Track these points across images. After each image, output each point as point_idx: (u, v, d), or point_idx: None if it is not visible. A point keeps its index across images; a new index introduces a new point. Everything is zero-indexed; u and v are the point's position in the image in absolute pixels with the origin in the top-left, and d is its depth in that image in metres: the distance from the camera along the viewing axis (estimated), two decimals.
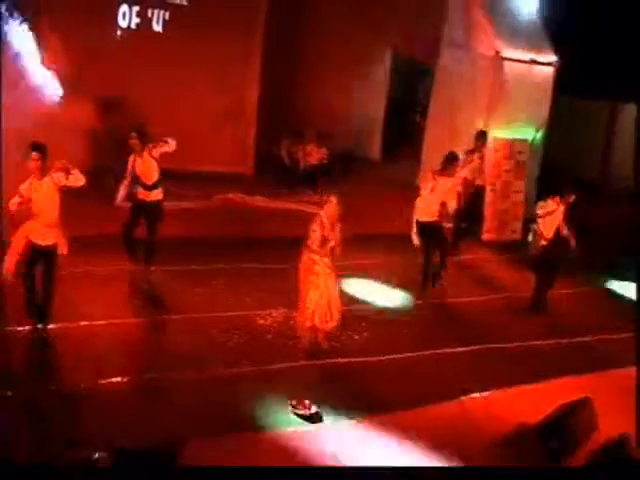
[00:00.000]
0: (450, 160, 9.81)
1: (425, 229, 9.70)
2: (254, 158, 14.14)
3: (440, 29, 13.97)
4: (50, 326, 7.79)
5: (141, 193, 9.24)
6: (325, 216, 7.63)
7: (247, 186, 13.14)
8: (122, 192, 9.21)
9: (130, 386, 7.05)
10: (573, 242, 9.63)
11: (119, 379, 7.09)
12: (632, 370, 7.45)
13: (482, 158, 11.56)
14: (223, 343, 8.07)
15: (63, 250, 7.64)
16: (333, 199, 7.61)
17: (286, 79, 15.51)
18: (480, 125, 12.71)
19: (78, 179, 7.35)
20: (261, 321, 8.63)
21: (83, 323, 8.00)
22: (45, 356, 7.54)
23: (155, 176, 9.18)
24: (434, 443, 6.58)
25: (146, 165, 9.12)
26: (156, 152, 9.03)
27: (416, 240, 9.71)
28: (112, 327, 8.04)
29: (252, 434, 6.48)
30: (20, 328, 7.64)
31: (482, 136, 11.59)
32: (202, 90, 13.15)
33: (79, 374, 7.04)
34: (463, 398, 7.56)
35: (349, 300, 9.11)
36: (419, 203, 9.74)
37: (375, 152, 16.49)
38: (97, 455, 5.90)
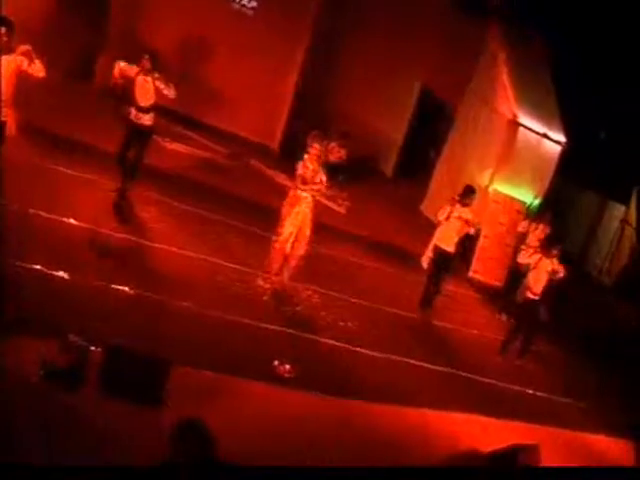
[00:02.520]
0: (468, 192, 10.05)
1: (440, 256, 9.96)
2: (282, 135, 14.25)
3: (468, 79, 14.37)
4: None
5: (135, 115, 9.21)
6: (308, 160, 8.59)
7: (270, 159, 13.34)
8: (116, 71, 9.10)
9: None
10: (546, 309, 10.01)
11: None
12: (585, 436, 7.72)
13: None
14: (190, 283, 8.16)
15: (11, 131, 7.56)
16: (316, 146, 8.61)
17: (325, 75, 15.63)
18: (487, 175, 13.10)
19: (39, 70, 7.40)
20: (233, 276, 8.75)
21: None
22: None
23: (151, 100, 9.18)
24: (388, 440, 6.76)
25: (146, 88, 9.11)
26: (159, 83, 9.04)
27: (426, 264, 9.97)
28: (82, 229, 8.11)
29: (231, 377, 6.63)
30: None
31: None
32: (251, 65, 13.66)
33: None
34: (426, 410, 7.71)
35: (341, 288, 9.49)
36: (439, 232, 9.99)
37: (389, 170, 16.69)
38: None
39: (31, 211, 7.84)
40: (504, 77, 13.56)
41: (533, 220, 11.95)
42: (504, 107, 13.37)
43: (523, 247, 11.10)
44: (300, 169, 8.72)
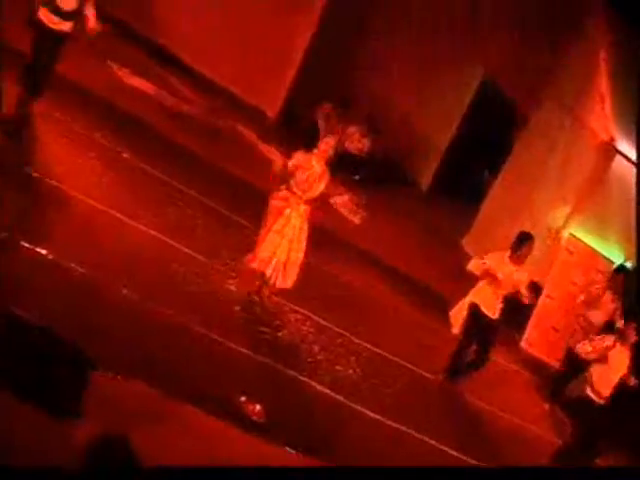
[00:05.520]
0: (522, 242, 9.71)
1: (478, 319, 9.86)
2: (284, 102, 14.44)
3: (549, 77, 14.56)
4: None
5: (50, 20, 9.23)
6: (315, 157, 8.75)
7: (263, 129, 13.48)
8: None
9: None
10: None
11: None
12: None
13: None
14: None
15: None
16: (329, 141, 8.95)
17: (350, 34, 15.84)
18: (561, 214, 13.16)
19: None
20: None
21: None
22: None
23: (76, 4, 9.26)
24: None
25: None
26: None
27: (457, 327, 9.92)
28: None
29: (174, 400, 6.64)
30: None
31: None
32: (258, 21, 13.98)
33: None
34: None
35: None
36: (479, 289, 9.87)
37: (425, 182, 16.97)
38: None
39: None
40: (602, 84, 13.64)
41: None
42: (597, 124, 13.42)
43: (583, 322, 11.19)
44: (298, 164, 8.72)
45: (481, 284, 9.87)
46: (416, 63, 16.47)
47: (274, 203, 8.79)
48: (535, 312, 12.84)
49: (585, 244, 13.17)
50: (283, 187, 8.77)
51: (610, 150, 13.09)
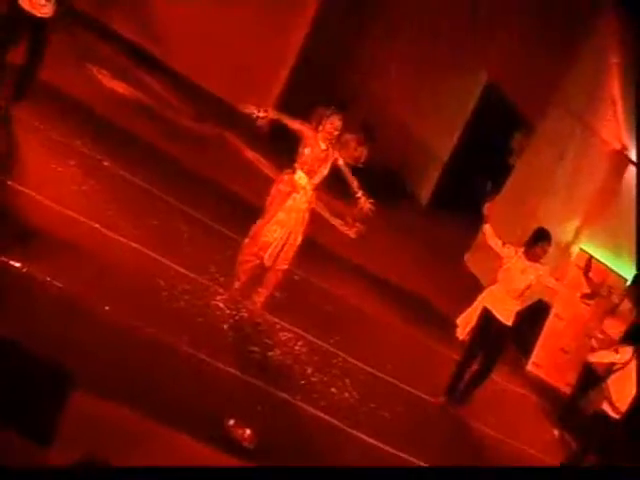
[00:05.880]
0: (538, 239, 9.83)
1: (489, 328, 9.82)
2: (275, 108, 14.23)
3: (557, 82, 14.56)
4: None
5: (33, 5, 9.39)
6: (322, 136, 8.92)
7: (254, 137, 13.31)
8: None
9: None
10: None
11: None
12: None
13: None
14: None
15: None
16: (335, 121, 9.01)
17: (346, 36, 15.90)
18: (571, 227, 13.24)
19: None
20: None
21: None
22: None
23: None
24: None
25: None
26: None
27: (463, 333, 9.92)
28: None
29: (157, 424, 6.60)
30: None
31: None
32: (247, 22, 14.11)
33: None
34: None
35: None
36: (493, 290, 9.89)
37: (424, 195, 17.00)
38: None
39: None
40: (614, 89, 13.65)
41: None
42: (608, 131, 13.46)
43: (599, 335, 11.15)
44: (305, 133, 8.87)
45: (493, 287, 9.89)
46: (415, 67, 16.61)
47: (280, 187, 8.99)
48: (543, 332, 12.83)
49: (596, 260, 13.10)
50: (289, 171, 8.98)
51: (622, 159, 13.15)
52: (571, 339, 12.93)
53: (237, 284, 9.05)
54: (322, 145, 8.93)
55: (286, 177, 9.02)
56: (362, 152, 14.83)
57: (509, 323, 9.88)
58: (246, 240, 9.03)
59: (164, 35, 13.27)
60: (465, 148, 17.05)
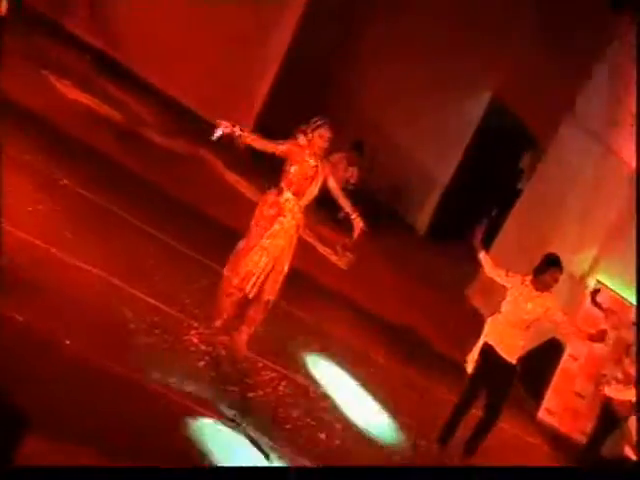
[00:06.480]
0: (547, 266, 9.53)
1: (490, 363, 9.59)
2: (256, 120, 14.41)
3: (569, 99, 14.63)
4: None
5: None
6: (310, 151, 8.77)
7: (232, 155, 13.08)
8: None
9: None
10: None
11: None
12: None
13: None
14: None
15: None
16: (325, 133, 8.77)
17: (334, 42, 16.18)
18: (586, 257, 13.25)
19: None
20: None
21: None
22: None
23: None
24: None
25: None
26: None
27: (471, 367, 9.74)
28: None
29: None
30: None
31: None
32: (225, 32, 14.31)
33: None
34: None
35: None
36: (495, 322, 9.68)
37: (422, 224, 17.12)
38: None
39: None
40: (633, 107, 13.68)
41: None
42: (627, 150, 13.38)
43: (619, 375, 11.13)
44: (289, 152, 8.74)
45: (496, 317, 9.65)
46: (412, 86, 16.70)
47: (264, 210, 8.87)
48: (556, 375, 12.70)
49: (614, 293, 13.02)
50: (274, 191, 8.85)
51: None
52: (587, 381, 12.80)
53: (219, 322, 8.95)
54: (311, 161, 8.76)
55: (271, 198, 8.88)
56: (353, 172, 15.01)
57: (513, 361, 9.58)
58: (226, 271, 8.90)
59: (131, 40, 13.38)
60: (466, 172, 17.13)
